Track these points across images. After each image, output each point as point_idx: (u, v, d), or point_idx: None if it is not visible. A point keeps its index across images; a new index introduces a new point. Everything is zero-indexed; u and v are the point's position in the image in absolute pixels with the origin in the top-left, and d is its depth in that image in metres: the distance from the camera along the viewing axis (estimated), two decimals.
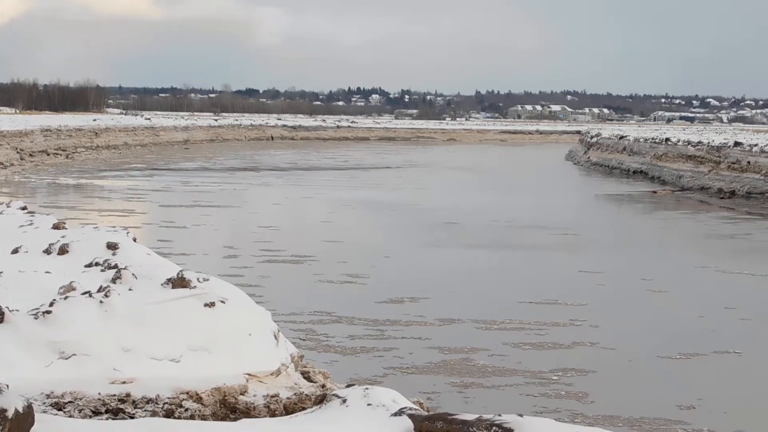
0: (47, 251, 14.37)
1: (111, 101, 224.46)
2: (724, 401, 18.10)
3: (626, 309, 26.41)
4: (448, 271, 31.84)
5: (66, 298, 10.19)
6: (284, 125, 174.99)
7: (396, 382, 17.86)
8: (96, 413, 8.69)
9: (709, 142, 75.57)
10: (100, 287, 10.58)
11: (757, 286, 30.64)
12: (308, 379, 10.21)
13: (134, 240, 15.80)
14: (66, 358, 9.17)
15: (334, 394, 8.57)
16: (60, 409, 8.59)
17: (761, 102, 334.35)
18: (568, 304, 26.35)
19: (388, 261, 33.63)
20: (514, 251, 37.00)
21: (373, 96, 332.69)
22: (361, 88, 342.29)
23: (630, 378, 19.62)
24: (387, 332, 22.66)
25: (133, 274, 11.22)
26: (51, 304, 9.87)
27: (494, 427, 6.68)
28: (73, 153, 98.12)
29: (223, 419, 8.91)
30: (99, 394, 8.82)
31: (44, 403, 8.55)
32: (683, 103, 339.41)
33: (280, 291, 26.86)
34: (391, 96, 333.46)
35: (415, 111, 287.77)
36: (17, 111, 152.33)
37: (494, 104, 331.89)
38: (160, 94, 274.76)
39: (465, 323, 23.71)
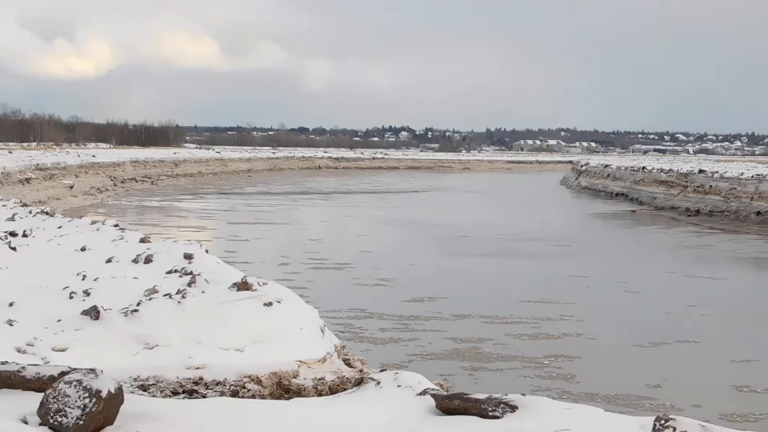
0: (135, 260, 14.45)
1: (188, 138, 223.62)
2: (684, 381, 18.13)
3: (607, 306, 26.34)
4: (461, 275, 31.80)
5: (150, 299, 10.26)
6: (329, 157, 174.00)
7: (418, 366, 17.91)
8: (174, 393, 8.74)
9: (678, 170, 75.11)
10: (178, 290, 10.66)
11: (715, 288, 30.54)
12: (348, 365, 10.16)
13: (206, 251, 15.84)
14: (150, 349, 9.25)
15: (370, 378, 8.62)
16: (145, 390, 8.65)
17: (721, 137, 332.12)
18: (559, 302, 26.31)
19: (412, 267, 33.56)
20: (516, 259, 36.91)
21: (402, 132, 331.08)
22: (392, 126, 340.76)
23: (608, 362, 19.60)
24: (410, 326, 22.68)
25: (205, 280, 11.26)
26: (138, 304, 9.97)
27: (502, 404, 6.70)
28: (157, 180, 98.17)
29: (279, 398, 8.92)
30: (177, 377, 8.86)
31: (132, 385, 8.60)
32: (656, 137, 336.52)
33: (323, 292, 26.84)
34: (417, 132, 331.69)
35: (436, 145, 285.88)
36: (111, 146, 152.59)
37: (501, 139, 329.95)
38: (228, 132, 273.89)
39: (474, 318, 23.72)
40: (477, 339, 21.24)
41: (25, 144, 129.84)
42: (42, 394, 6.14)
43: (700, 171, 70.06)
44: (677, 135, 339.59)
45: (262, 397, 8.87)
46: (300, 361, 9.49)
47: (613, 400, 16.39)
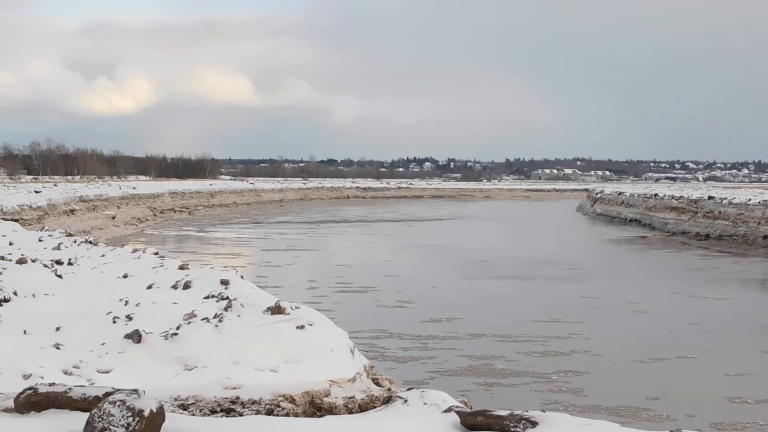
0: (174, 286, 14.48)
1: (223, 170, 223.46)
2: (681, 393, 18.35)
3: (613, 325, 26.50)
4: (477, 297, 31.99)
5: (189, 322, 10.19)
6: (357, 187, 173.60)
7: (438, 382, 18.11)
8: (213, 412, 8.74)
9: (688, 197, 74.88)
10: (216, 314, 10.63)
11: (719, 307, 30.59)
12: (377, 384, 10.18)
13: (241, 277, 15.88)
14: (189, 370, 9.26)
15: (397, 396, 8.54)
16: (185, 409, 8.66)
17: (729, 165, 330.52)
18: (569, 321, 26.53)
19: (432, 290, 33.72)
20: (530, 281, 37.06)
21: (426, 163, 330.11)
22: (417, 157, 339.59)
23: (613, 377, 19.81)
24: (429, 345, 22.90)
25: (241, 304, 11.19)
26: (177, 328, 9.96)
27: (523, 420, 6.69)
28: (194, 210, 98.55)
29: (311, 416, 8.89)
30: (215, 397, 8.87)
31: (172, 404, 8.60)
32: (667, 166, 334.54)
33: (349, 314, 26.93)
34: (440, 163, 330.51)
35: (458, 174, 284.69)
36: (151, 178, 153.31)
37: (520, 168, 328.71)
38: (261, 164, 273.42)
39: (488, 337, 23.95)
40: (491, 356, 21.47)
41: (69, 177, 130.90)
42: (87, 413, 6.21)
43: (710, 197, 69.79)
44: (687, 163, 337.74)
45: (296, 415, 8.88)
46: (331, 381, 9.55)
47: (615, 412, 16.62)
